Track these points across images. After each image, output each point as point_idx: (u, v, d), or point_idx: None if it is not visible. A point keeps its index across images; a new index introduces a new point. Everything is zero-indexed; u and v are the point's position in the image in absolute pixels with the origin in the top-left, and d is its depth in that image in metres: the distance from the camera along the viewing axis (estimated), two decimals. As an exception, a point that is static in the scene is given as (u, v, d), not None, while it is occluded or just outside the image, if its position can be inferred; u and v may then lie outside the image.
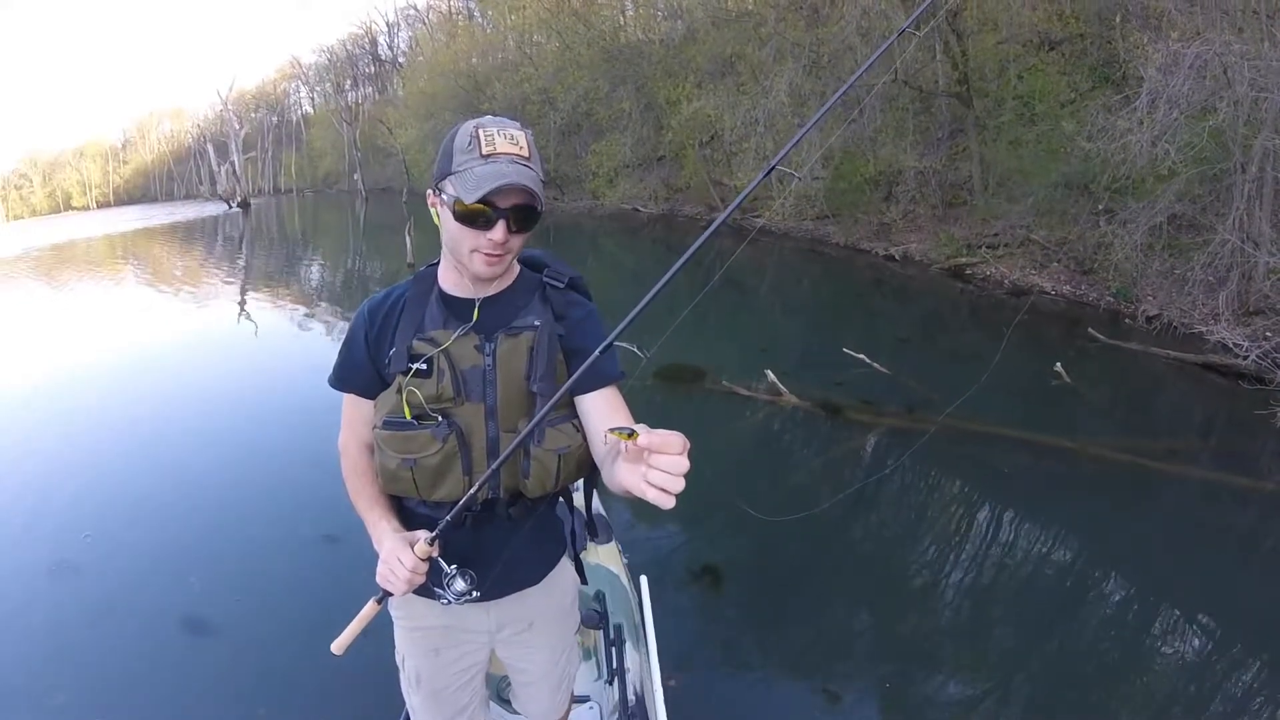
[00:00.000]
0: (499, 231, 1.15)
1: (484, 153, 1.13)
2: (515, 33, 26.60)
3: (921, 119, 12.55)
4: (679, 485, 0.85)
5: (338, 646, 1.21)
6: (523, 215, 1.17)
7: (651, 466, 0.85)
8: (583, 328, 1.30)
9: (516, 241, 1.20)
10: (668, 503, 0.84)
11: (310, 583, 3.36)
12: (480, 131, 1.14)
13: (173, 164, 70.83)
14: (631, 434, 0.90)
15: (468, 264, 1.20)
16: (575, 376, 1.10)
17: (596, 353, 1.09)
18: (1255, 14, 6.37)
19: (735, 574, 3.37)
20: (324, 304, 10.88)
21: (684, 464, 0.85)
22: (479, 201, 1.12)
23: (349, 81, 54.04)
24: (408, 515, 1.33)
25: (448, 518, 1.18)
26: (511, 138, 1.15)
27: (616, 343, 1.13)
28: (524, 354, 1.25)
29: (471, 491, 1.17)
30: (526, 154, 1.16)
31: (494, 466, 1.16)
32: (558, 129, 22.19)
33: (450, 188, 1.16)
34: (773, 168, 1.21)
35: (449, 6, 41.00)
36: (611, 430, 0.94)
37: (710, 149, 16.58)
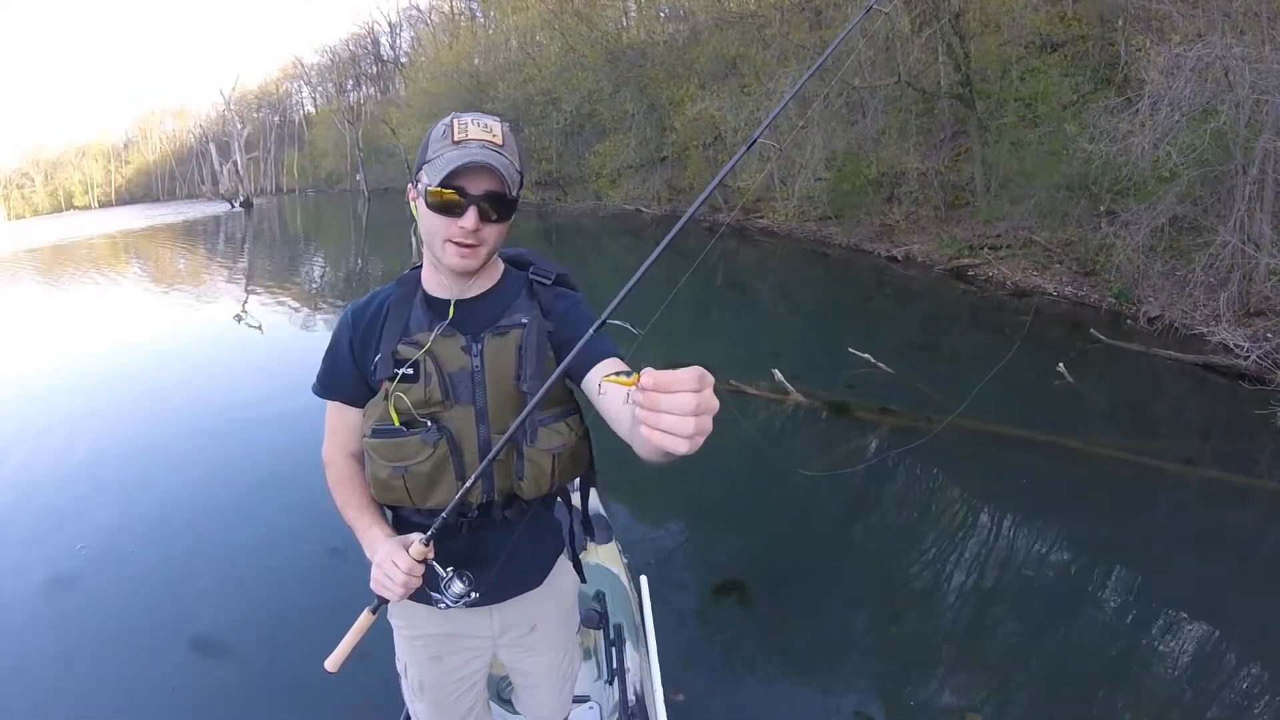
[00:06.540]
0: (470, 218, 1.13)
1: (456, 139, 1.13)
2: (518, 33, 26.65)
3: (924, 120, 12.55)
4: (688, 428, 0.70)
5: (332, 663, 1.16)
6: (494, 203, 1.14)
7: (659, 411, 0.72)
8: (570, 316, 1.26)
9: (491, 233, 1.17)
10: (679, 447, 0.71)
11: (310, 591, 3.33)
12: (455, 121, 1.15)
13: (175, 163, 70.82)
14: (633, 375, 0.74)
15: (441, 256, 1.18)
16: (566, 362, 1.04)
17: (589, 333, 1.01)
18: (1256, 17, 6.38)
19: (737, 574, 3.37)
20: (326, 307, 10.87)
21: (690, 403, 0.70)
22: (450, 188, 1.11)
23: (351, 81, 54.13)
24: (402, 525, 1.30)
25: (443, 516, 1.15)
26: (486, 126, 1.15)
27: (610, 320, 1.01)
28: (512, 353, 1.21)
29: (464, 488, 1.15)
30: (500, 142, 1.15)
31: (484, 464, 1.14)
32: (561, 129, 22.24)
33: (424, 177, 1.15)
34: (754, 141, 1.19)
35: (451, 7, 41.06)
36: (607, 378, 0.78)
37: (714, 150, 16.57)
